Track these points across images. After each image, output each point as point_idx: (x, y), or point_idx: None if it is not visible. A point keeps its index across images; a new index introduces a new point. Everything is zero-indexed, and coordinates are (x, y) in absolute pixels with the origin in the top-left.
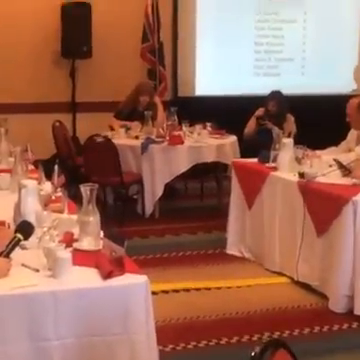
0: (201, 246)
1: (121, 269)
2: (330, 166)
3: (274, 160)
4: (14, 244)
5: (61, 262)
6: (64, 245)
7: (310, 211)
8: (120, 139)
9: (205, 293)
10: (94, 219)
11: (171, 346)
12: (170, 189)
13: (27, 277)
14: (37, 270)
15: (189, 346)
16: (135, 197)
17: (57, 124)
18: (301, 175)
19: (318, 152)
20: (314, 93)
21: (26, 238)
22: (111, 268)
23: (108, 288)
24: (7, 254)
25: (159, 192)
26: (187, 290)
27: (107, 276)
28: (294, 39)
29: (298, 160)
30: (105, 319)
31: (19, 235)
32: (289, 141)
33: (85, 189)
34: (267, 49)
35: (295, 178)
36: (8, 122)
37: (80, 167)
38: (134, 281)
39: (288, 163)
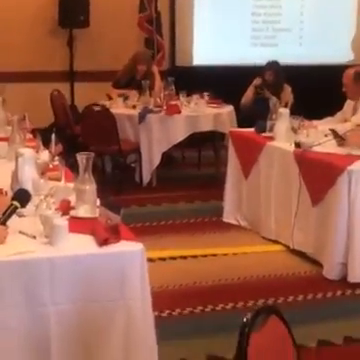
0: (198, 214)
1: (117, 236)
2: (326, 136)
3: (271, 130)
4: (11, 212)
5: (58, 229)
6: (61, 213)
7: (306, 180)
8: (118, 108)
9: (201, 260)
10: (90, 187)
11: (167, 311)
12: (167, 158)
13: (24, 244)
14: (34, 237)
15: (185, 312)
16: (133, 165)
17: (55, 93)
18: (297, 145)
19: (314, 122)
20: (311, 63)
21: (23, 206)
22: (107, 235)
23: (104, 255)
24: (4, 221)
25: (156, 161)
26: (184, 257)
27: (103, 243)
28: (292, 9)
29: (294, 130)
30: (101, 285)
31: (16, 203)
32: (285, 111)
33: (81, 157)
34: (265, 19)
35: (291, 148)
36: (6, 91)
37: (78, 136)
38: (130, 248)
39: (284, 133)
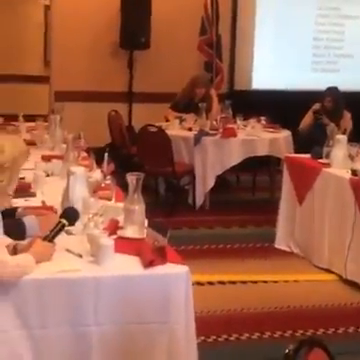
0: (250, 239)
1: (163, 258)
2: None
3: (327, 156)
4: (58, 229)
5: (104, 249)
6: (108, 232)
7: None
8: (174, 130)
9: (251, 286)
10: (139, 208)
11: (213, 337)
12: (222, 181)
13: (70, 262)
14: (80, 256)
15: (231, 338)
16: (186, 188)
17: (113, 113)
18: (354, 172)
19: None
20: None
21: (71, 224)
22: (153, 257)
23: (149, 276)
24: (51, 238)
25: (210, 184)
26: (233, 282)
27: (148, 265)
28: (355, 35)
29: (352, 157)
30: (145, 307)
31: (63, 220)
32: (343, 138)
33: (131, 178)
34: (327, 45)
35: (348, 175)
36: (65, 110)
37: (134, 156)
38: (175, 271)
39: (341, 160)
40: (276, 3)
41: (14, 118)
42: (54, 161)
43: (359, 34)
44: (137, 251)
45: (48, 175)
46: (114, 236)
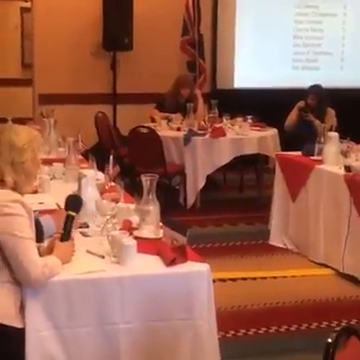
0: (243, 237)
1: (184, 257)
2: None
3: (319, 153)
4: (69, 223)
5: (126, 249)
6: (128, 233)
7: (356, 204)
8: (162, 130)
9: (251, 283)
10: (154, 208)
11: (221, 333)
12: (209, 180)
13: (93, 263)
14: (102, 257)
15: (239, 334)
16: (177, 188)
17: (100, 115)
18: (347, 168)
19: None
20: (353, 87)
21: (77, 212)
22: (174, 256)
23: (172, 275)
24: (68, 235)
25: (201, 183)
26: (233, 280)
27: (170, 263)
28: (333, 33)
29: (343, 153)
30: (169, 305)
31: (71, 212)
32: (335, 135)
33: (145, 179)
34: (306, 42)
35: (341, 171)
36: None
37: (123, 157)
38: (197, 268)
39: (334, 156)
40: (256, 2)
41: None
42: (55, 164)
43: (337, 32)
44: (157, 250)
45: (51, 179)
46: (132, 237)
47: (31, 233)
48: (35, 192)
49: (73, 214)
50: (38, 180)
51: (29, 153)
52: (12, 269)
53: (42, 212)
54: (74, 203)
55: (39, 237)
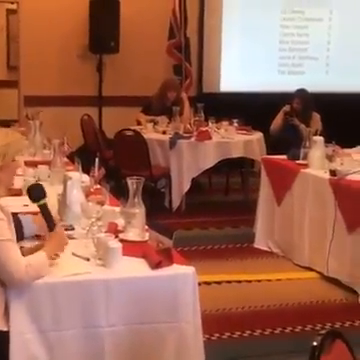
0: (229, 240)
1: (169, 260)
2: None
3: (304, 157)
4: (46, 211)
5: (112, 252)
6: (113, 236)
7: (341, 208)
8: (148, 133)
9: (236, 286)
10: (140, 211)
11: (206, 336)
12: (194, 183)
13: (79, 266)
14: (87, 259)
15: (223, 337)
16: (163, 190)
17: (86, 117)
18: (332, 172)
19: (346, 150)
20: (338, 91)
21: (44, 197)
22: (160, 258)
23: (158, 277)
24: (52, 222)
25: (186, 186)
26: (218, 283)
27: (156, 266)
28: (319, 38)
29: (329, 158)
30: (154, 307)
31: (41, 202)
32: (320, 139)
33: (131, 182)
34: (292, 47)
35: (326, 175)
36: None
37: (108, 160)
38: (182, 271)
39: (319, 160)
40: (242, 7)
41: None
42: (40, 167)
43: (323, 37)
44: (142, 253)
45: (36, 181)
46: (116, 239)
47: (10, 235)
48: (19, 194)
49: (43, 202)
50: (23, 182)
51: None
52: None
53: (26, 214)
54: (37, 192)
55: (19, 235)
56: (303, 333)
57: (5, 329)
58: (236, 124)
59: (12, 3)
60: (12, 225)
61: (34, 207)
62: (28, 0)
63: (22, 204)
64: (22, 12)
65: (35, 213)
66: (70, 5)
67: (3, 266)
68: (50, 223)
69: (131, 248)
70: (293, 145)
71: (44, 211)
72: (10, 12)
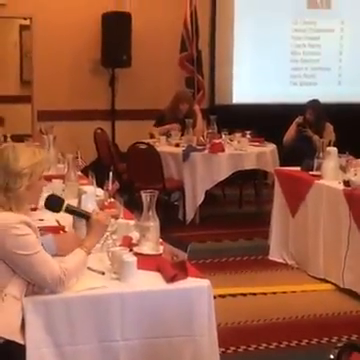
0: (243, 252)
1: (184, 273)
2: None
3: (318, 168)
4: (74, 209)
5: (127, 265)
6: (128, 249)
7: (356, 218)
8: (161, 146)
9: (251, 298)
10: (154, 224)
11: (222, 349)
12: (208, 195)
13: (94, 279)
14: (102, 273)
15: (239, 350)
16: (176, 203)
17: (99, 131)
18: (346, 183)
19: None
20: (351, 102)
21: (63, 201)
22: (175, 272)
23: (173, 291)
24: (85, 213)
25: (200, 199)
26: (233, 295)
27: (171, 280)
28: (331, 49)
29: (342, 168)
30: (170, 321)
31: (64, 205)
32: (333, 150)
33: (145, 195)
34: (304, 58)
35: (340, 186)
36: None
37: (122, 173)
38: (197, 284)
39: (333, 171)
40: (254, 18)
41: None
42: (55, 181)
43: (334, 47)
44: (157, 267)
45: None
46: (131, 253)
47: (40, 246)
48: (35, 209)
49: (65, 205)
50: None
51: (26, 180)
52: (16, 283)
53: (42, 229)
54: (54, 201)
55: None
56: (319, 346)
57: (22, 343)
58: (249, 136)
59: (25, 19)
60: (39, 237)
61: (50, 221)
62: (41, 16)
63: (38, 218)
64: (35, 28)
65: (52, 228)
66: (82, 20)
67: (41, 281)
68: (84, 216)
69: (146, 261)
70: (306, 156)
71: (72, 211)
72: (23, 28)
